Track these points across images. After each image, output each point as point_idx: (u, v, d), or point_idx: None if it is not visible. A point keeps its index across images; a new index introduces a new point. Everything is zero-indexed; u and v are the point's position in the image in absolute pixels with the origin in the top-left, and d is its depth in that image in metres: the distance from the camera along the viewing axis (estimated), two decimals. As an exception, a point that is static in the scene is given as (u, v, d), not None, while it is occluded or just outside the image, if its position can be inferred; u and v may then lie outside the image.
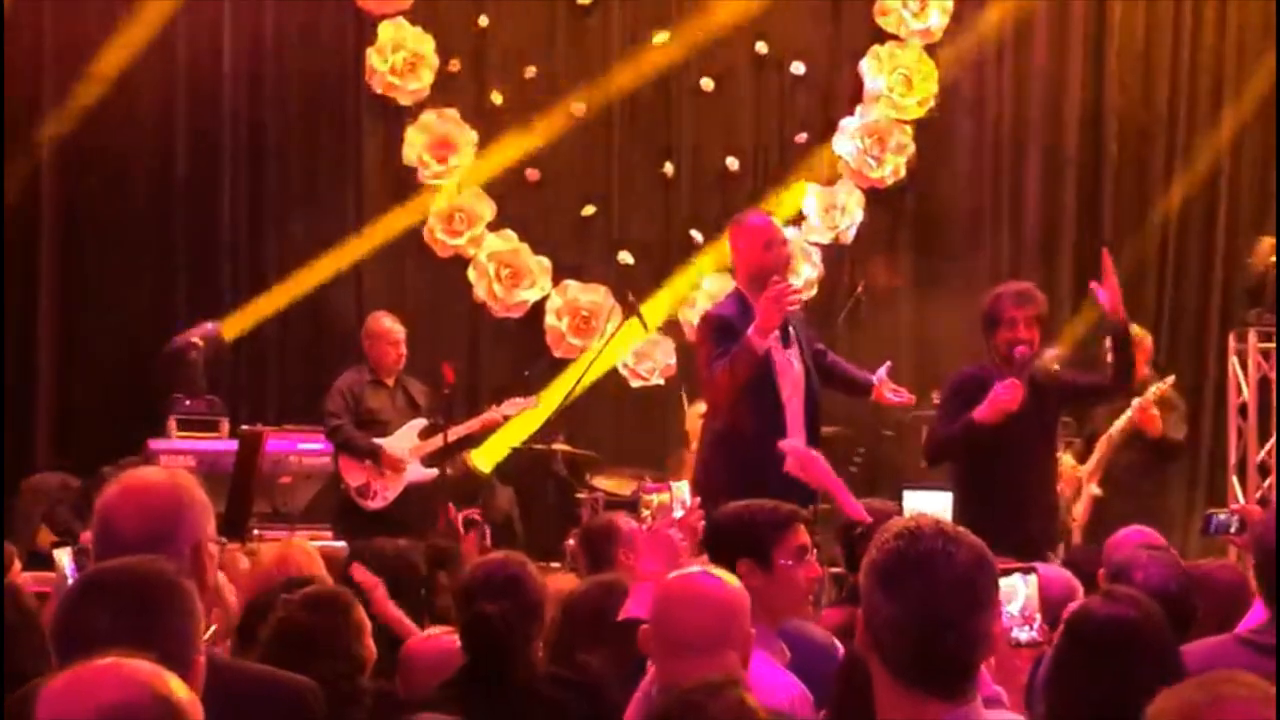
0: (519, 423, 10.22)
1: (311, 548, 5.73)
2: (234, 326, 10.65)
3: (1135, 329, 9.56)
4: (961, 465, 7.28)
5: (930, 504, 5.67)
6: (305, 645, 4.15)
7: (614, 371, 11.00)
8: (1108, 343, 7.60)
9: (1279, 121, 10.86)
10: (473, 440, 9.86)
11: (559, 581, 5.64)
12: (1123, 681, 3.19)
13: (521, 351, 10.96)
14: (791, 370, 7.10)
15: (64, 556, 4.15)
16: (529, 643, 4.28)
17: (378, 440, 9.25)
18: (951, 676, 2.59)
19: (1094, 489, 9.14)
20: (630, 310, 9.54)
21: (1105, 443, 9.11)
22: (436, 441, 9.27)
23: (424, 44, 11.06)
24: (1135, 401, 8.78)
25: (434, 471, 9.35)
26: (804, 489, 6.70)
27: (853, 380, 7.58)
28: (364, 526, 8.67)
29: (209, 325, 10.20)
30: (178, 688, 2.37)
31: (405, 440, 9.33)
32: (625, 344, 10.54)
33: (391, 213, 11.07)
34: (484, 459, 10.45)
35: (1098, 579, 5.37)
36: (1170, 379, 9.14)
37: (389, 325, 9.53)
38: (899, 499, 6.05)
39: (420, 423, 9.40)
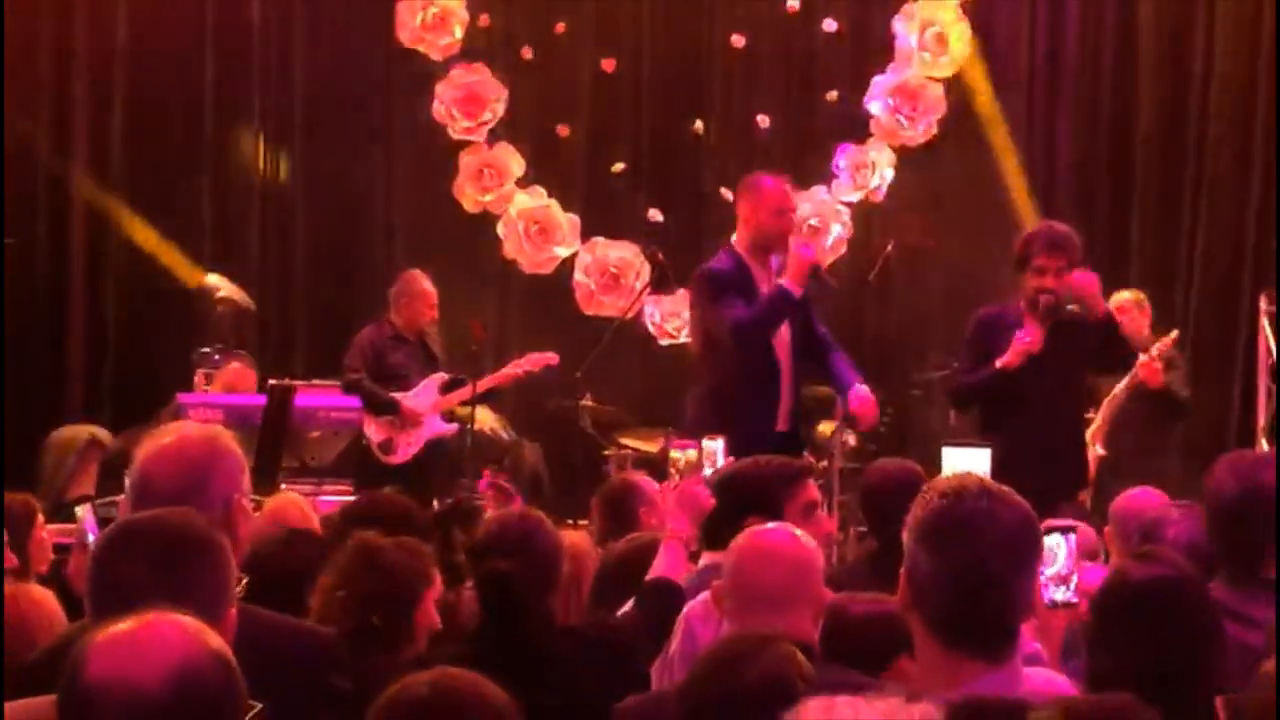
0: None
1: (304, 501, 5.70)
2: (262, 281, 10.68)
3: (1130, 294, 9.53)
4: (989, 411, 7.27)
5: (970, 460, 5.63)
6: (377, 572, 4.12)
7: (642, 328, 10.99)
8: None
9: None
10: (495, 394, 9.80)
11: (581, 539, 5.63)
12: (1164, 642, 3.18)
13: (550, 309, 10.94)
14: (783, 330, 7.12)
15: (84, 511, 4.16)
16: (544, 599, 4.25)
17: (397, 395, 9.24)
18: (992, 636, 2.59)
19: (1098, 449, 9.13)
20: (660, 268, 9.52)
21: (1109, 402, 9.13)
22: (457, 396, 9.27)
23: (454, -1, 11.04)
24: (1140, 358, 8.72)
25: (454, 426, 9.34)
26: (797, 447, 6.74)
27: (830, 374, 7.47)
28: (384, 481, 8.66)
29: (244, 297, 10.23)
30: (225, 647, 2.36)
31: (426, 395, 9.31)
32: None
33: (421, 168, 11.07)
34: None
35: (1104, 537, 5.40)
36: (1174, 334, 9.14)
37: (428, 287, 9.46)
38: (936, 457, 6.03)
39: (441, 377, 9.36)
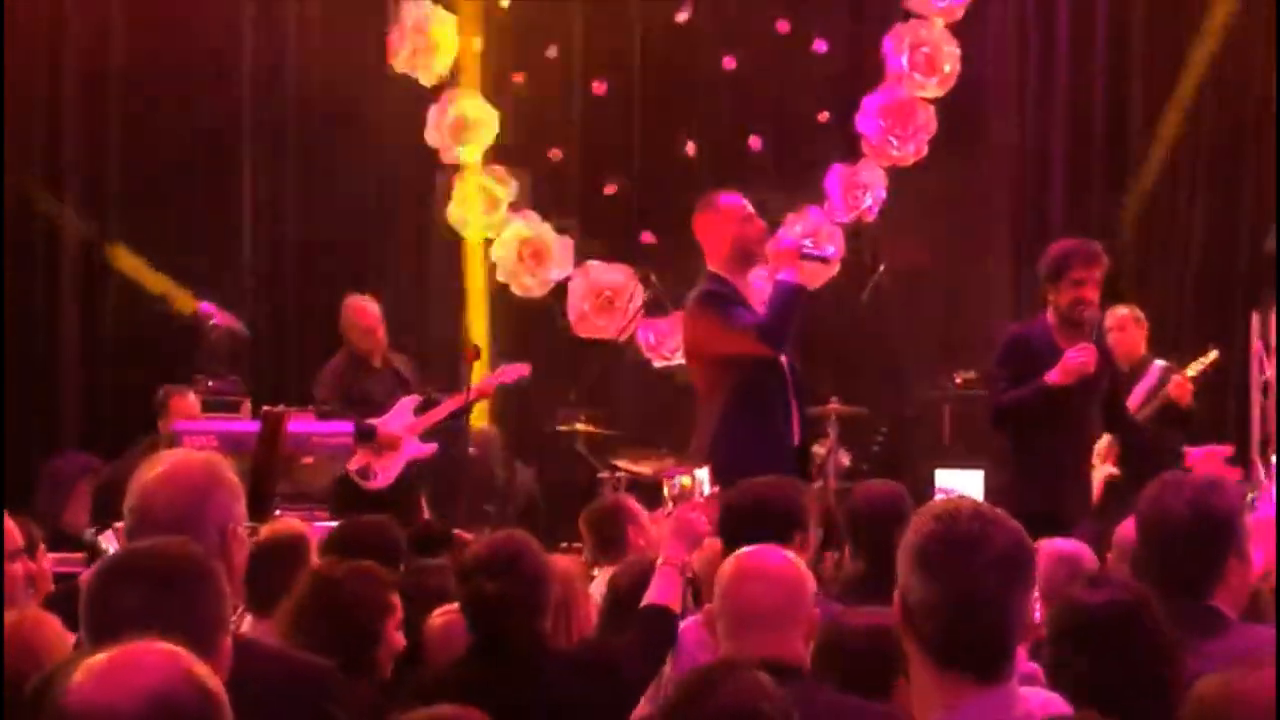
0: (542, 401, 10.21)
1: (302, 527, 5.69)
2: (255, 308, 10.69)
3: (1126, 309, 9.50)
4: (1013, 432, 7.24)
5: (963, 482, 5.65)
6: (335, 608, 4.13)
7: (636, 351, 11.00)
8: None
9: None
10: (469, 410, 9.70)
11: (573, 563, 5.63)
12: (1121, 666, 3.18)
13: (544, 331, 10.95)
14: None
15: (108, 542, 4.16)
16: (532, 620, 4.25)
17: (372, 421, 9.19)
18: (987, 658, 2.59)
19: (1109, 469, 9.07)
20: (652, 290, 9.51)
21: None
22: (431, 416, 9.25)
23: (445, 24, 11.05)
24: (1173, 378, 8.70)
25: (432, 446, 9.29)
26: (807, 460, 6.75)
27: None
28: (361, 508, 8.62)
29: (236, 321, 10.22)
30: (209, 674, 2.36)
31: (401, 418, 9.27)
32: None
33: (414, 193, 11.09)
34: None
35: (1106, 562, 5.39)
36: (1214, 355, 9.03)
37: (364, 311, 9.39)
38: (929, 478, 6.04)
39: (414, 399, 9.31)
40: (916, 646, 2.62)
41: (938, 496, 7.16)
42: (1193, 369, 8.80)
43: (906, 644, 2.64)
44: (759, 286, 7.30)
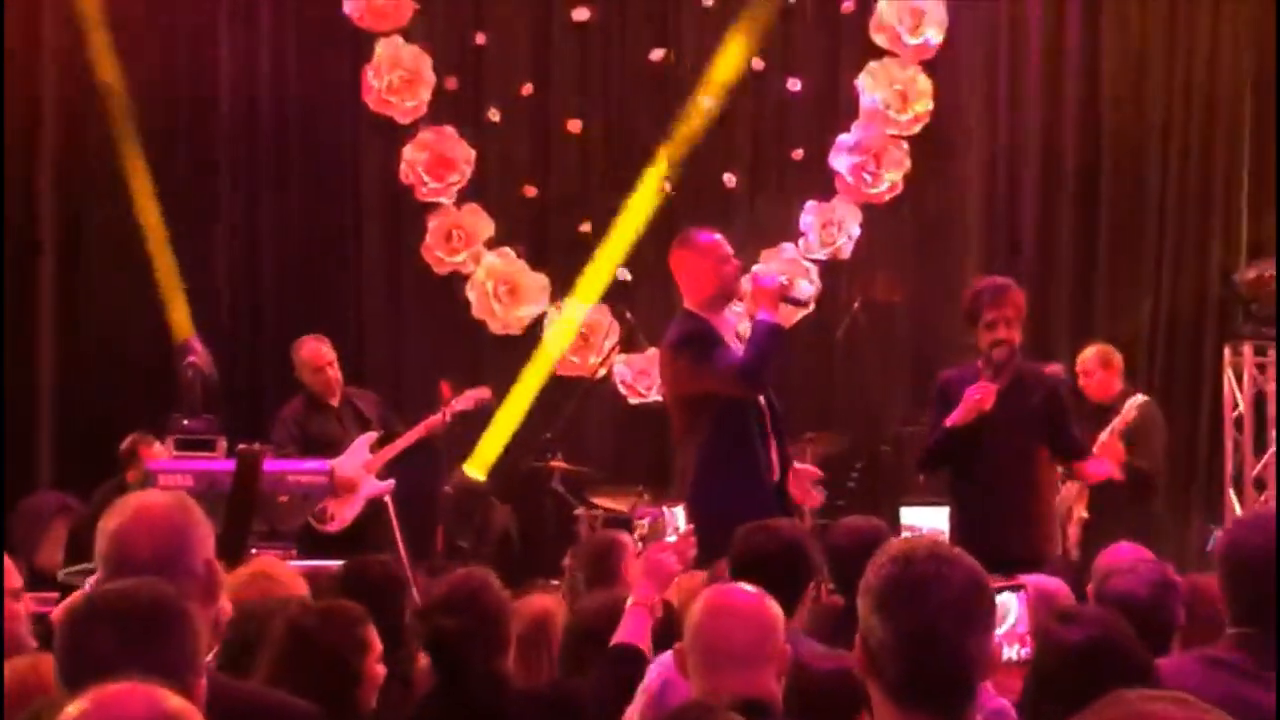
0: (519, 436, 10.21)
1: (291, 569, 5.68)
2: (231, 344, 10.67)
3: (1093, 350, 9.47)
4: (949, 473, 7.29)
5: (927, 520, 5.66)
6: (312, 655, 4.14)
7: (612, 388, 11.02)
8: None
9: (1278, 130, 10.86)
10: (430, 442, 9.65)
11: (552, 601, 5.64)
12: (1094, 698, 3.18)
13: (519, 369, 10.95)
14: None
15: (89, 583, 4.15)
16: (492, 659, 4.25)
17: (328, 463, 9.10)
18: (949, 698, 2.61)
19: (1082, 512, 9.06)
20: (629, 327, 9.51)
21: None
22: (388, 451, 9.21)
23: (421, 61, 11.09)
24: (1096, 445, 8.11)
25: (390, 484, 9.22)
26: (787, 500, 6.75)
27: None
28: (325, 548, 8.59)
29: (202, 347, 10.17)
30: (190, 713, 2.37)
31: (356, 457, 9.22)
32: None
33: (389, 230, 11.10)
34: (478, 468, 10.47)
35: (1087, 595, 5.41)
36: (1135, 403, 8.55)
37: (315, 351, 9.38)
38: (896, 514, 6.04)
39: (369, 437, 9.22)
40: (878, 687, 2.64)
41: (903, 534, 7.18)
42: (1107, 432, 8.41)
43: (870, 685, 2.66)
44: (731, 321, 7.32)
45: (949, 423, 6.92)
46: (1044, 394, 7.17)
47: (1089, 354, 9.39)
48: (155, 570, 3.14)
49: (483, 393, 9.64)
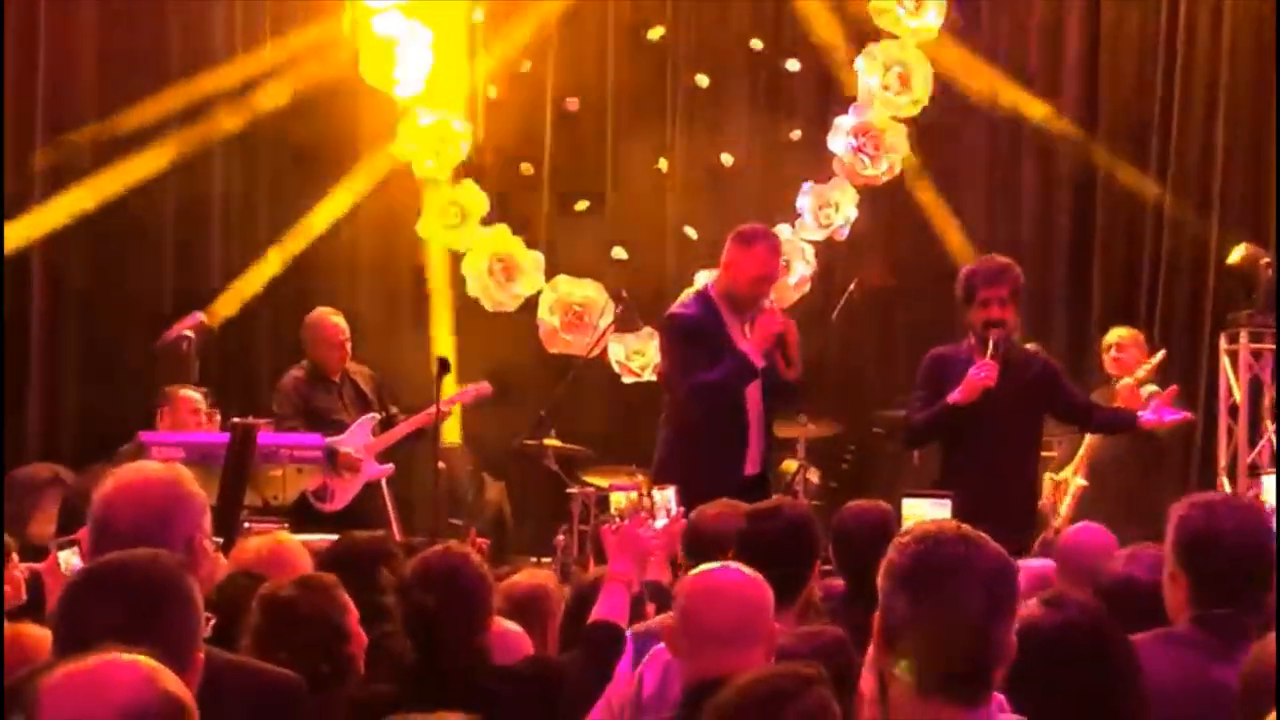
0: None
1: (299, 544, 5.64)
2: (223, 316, 10.64)
3: (1128, 332, 9.57)
4: (942, 450, 7.29)
5: (930, 512, 5.63)
6: (298, 623, 4.12)
7: (606, 367, 11.00)
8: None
9: (1278, 123, 10.83)
10: (429, 431, 9.62)
11: (547, 577, 5.61)
12: (1083, 688, 3.17)
13: (514, 347, 10.93)
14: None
15: (72, 557, 4.14)
16: (472, 635, 4.24)
17: (331, 440, 9.06)
18: (970, 682, 2.58)
19: (1079, 480, 9.07)
20: (624, 306, 9.48)
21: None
22: (391, 435, 9.17)
23: (420, 38, 11.04)
24: (1118, 388, 8.34)
25: (389, 467, 9.17)
26: (764, 489, 6.75)
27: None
28: (320, 524, 8.55)
29: (197, 316, 10.12)
30: (179, 686, 2.36)
31: (358, 437, 9.18)
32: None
33: (384, 206, 11.06)
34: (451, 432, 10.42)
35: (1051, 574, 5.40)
36: (1160, 355, 8.99)
37: (333, 327, 9.27)
38: (895, 501, 6.01)
39: (372, 418, 9.19)
40: (895, 670, 2.61)
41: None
42: (1139, 372, 8.65)
43: (885, 665, 2.62)
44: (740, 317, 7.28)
45: (952, 400, 6.93)
46: (1037, 369, 7.22)
47: (1125, 334, 9.47)
48: (134, 543, 3.12)
49: (483, 388, 9.60)
